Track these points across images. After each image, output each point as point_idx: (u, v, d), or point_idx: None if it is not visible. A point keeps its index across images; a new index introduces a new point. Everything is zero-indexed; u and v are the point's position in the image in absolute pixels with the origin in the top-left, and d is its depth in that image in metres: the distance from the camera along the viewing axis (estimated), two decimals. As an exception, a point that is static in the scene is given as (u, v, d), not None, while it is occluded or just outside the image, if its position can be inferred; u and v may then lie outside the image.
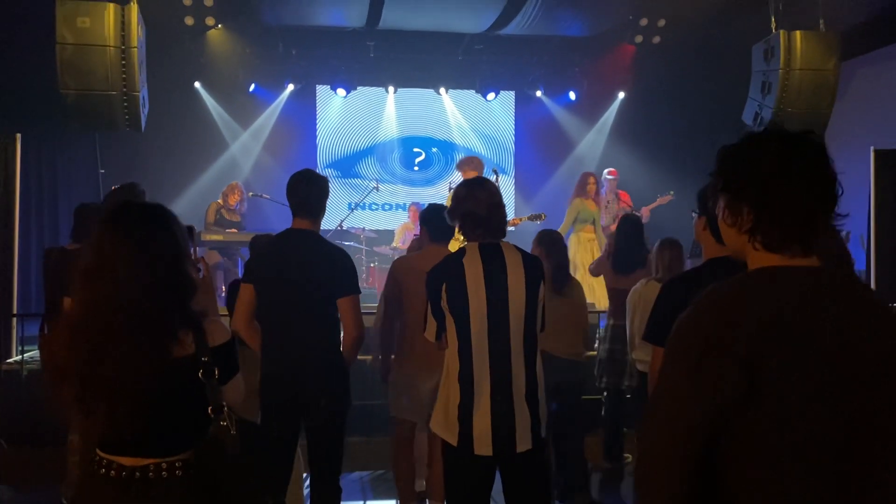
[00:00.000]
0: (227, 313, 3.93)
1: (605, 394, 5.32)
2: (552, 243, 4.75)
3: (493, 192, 3.12)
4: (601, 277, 5.84)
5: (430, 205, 4.32)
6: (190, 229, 2.03)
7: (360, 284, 3.66)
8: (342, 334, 3.55)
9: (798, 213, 1.45)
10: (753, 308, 1.39)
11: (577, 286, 4.81)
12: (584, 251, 8.21)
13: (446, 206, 4.32)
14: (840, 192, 1.48)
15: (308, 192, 3.54)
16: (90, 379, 1.75)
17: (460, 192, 3.14)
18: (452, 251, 4.43)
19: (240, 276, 7.44)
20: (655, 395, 1.48)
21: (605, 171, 8.96)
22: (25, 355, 6.39)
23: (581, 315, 4.78)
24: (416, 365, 3.94)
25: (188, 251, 1.93)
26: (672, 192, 8.80)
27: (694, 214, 2.84)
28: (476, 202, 3.05)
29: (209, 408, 1.85)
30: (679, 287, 2.74)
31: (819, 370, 1.37)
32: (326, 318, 3.49)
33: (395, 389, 4.11)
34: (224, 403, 1.87)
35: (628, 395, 5.18)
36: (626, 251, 5.22)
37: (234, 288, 3.94)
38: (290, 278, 3.42)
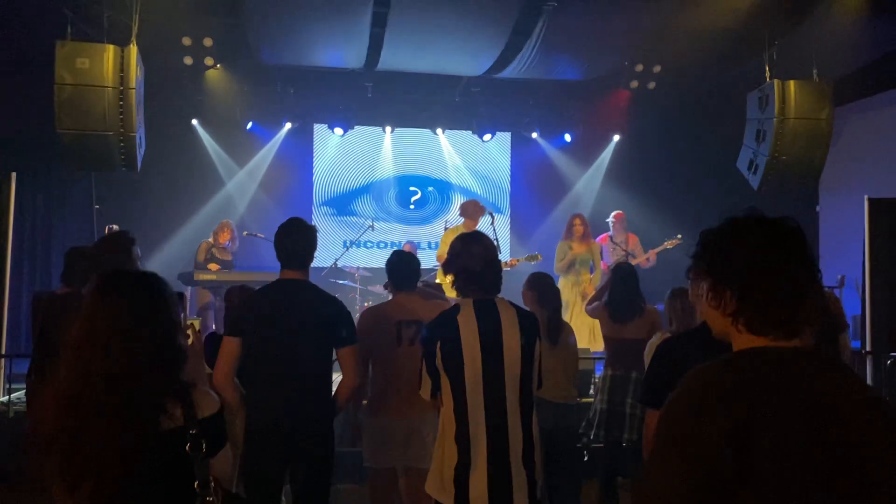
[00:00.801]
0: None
1: (603, 444, 5.21)
2: (544, 287, 4.72)
3: (489, 248, 3.10)
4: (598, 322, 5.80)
5: (392, 253, 4.35)
6: (180, 295, 2.00)
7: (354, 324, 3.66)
8: (339, 382, 3.52)
9: (780, 298, 1.49)
10: (740, 391, 1.42)
11: (568, 331, 4.79)
12: (570, 293, 8.19)
13: (406, 252, 4.40)
14: (819, 277, 1.54)
15: (297, 242, 3.52)
16: (76, 453, 1.71)
17: (455, 247, 3.12)
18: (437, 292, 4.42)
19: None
20: (648, 472, 1.48)
21: (612, 213, 8.98)
22: (12, 395, 6.31)
23: (572, 359, 4.76)
24: (390, 411, 3.92)
25: (179, 320, 1.89)
26: (680, 236, 8.74)
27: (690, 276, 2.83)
28: (471, 258, 3.03)
29: (196, 482, 1.80)
30: (672, 350, 2.73)
31: (807, 451, 1.38)
32: (320, 367, 3.46)
33: (369, 437, 4.03)
34: (211, 477, 1.82)
35: (623, 444, 5.10)
36: (621, 301, 5.16)
37: (210, 342, 3.85)
38: (285, 330, 3.37)
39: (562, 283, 8.15)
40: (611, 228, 8.80)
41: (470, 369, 2.89)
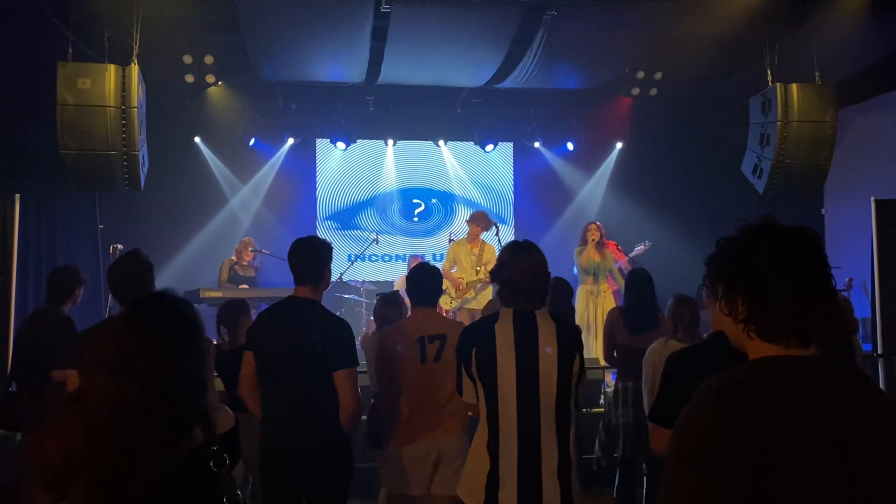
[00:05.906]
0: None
1: (621, 462, 4.94)
2: (552, 288, 4.54)
3: (540, 263, 3.03)
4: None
5: (415, 266, 4.20)
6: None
7: (359, 338, 3.60)
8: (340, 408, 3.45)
9: (791, 305, 1.49)
10: (754, 404, 1.41)
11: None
12: (586, 304, 8.12)
13: (429, 266, 4.16)
14: (835, 284, 1.54)
15: (309, 259, 3.50)
16: (105, 479, 1.66)
17: (504, 256, 3.08)
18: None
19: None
20: (664, 493, 1.45)
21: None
22: (20, 418, 6.27)
23: None
24: (416, 436, 3.72)
25: (207, 349, 1.89)
26: (648, 242, 8.62)
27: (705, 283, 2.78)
28: (519, 271, 2.98)
29: (224, 498, 1.78)
30: (683, 364, 2.69)
31: (824, 463, 1.37)
32: (325, 389, 3.37)
33: (392, 464, 3.81)
34: (239, 494, 1.80)
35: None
36: (638, 309, 4.98)
37: None
38: (287, 349, 3.36)
39: (579, 291, 8.01)
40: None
41: (503, 378, 2.88)
